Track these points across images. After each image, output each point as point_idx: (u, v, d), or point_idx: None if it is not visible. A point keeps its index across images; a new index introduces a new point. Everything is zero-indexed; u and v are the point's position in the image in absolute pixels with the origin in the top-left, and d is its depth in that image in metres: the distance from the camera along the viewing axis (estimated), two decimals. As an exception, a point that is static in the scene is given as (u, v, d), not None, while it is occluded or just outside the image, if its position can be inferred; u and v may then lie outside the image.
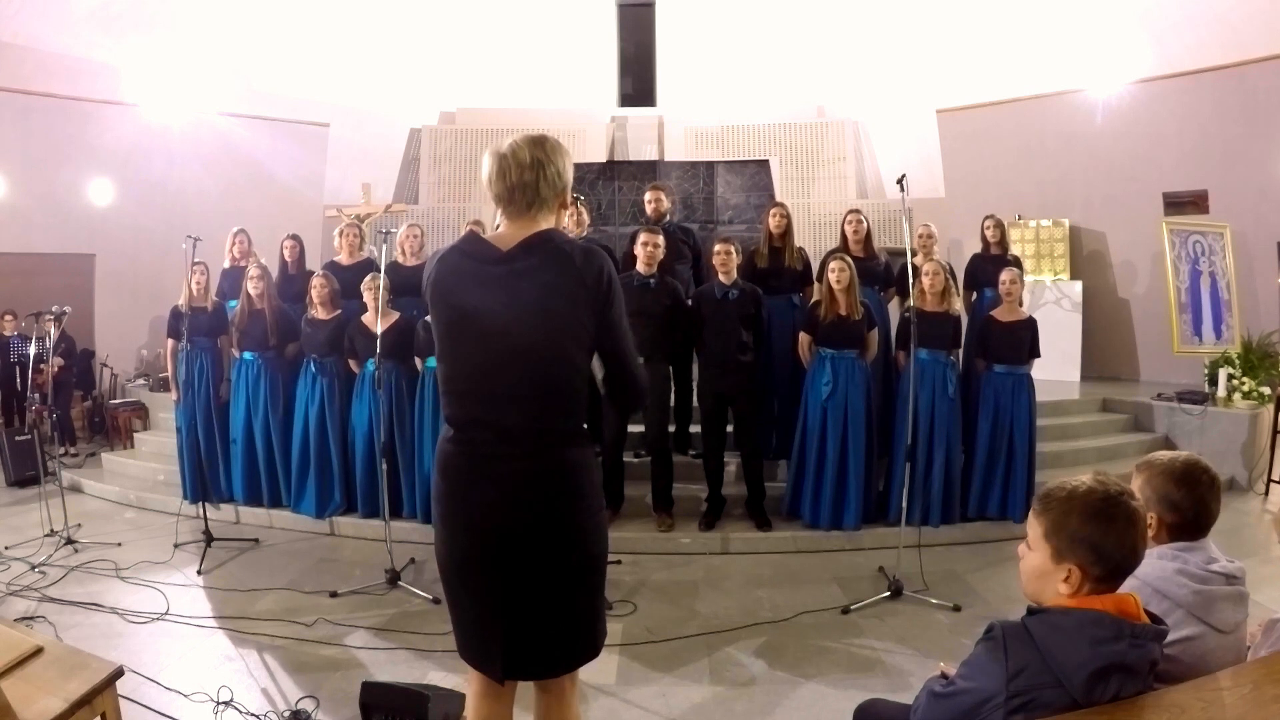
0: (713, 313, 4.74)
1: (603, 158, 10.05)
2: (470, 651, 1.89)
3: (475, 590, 1.84)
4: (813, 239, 8.92)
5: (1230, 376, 6.49)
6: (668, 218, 5.59)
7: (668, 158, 10.19)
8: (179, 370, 5.38)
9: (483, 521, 1.79)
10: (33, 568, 4.37)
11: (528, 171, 1.78)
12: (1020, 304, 5.14)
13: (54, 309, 5.26)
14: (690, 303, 4.92)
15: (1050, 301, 7.90)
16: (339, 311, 5.15)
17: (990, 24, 8.55)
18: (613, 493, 4.89)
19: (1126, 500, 1.42)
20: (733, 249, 4.81)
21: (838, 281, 4.69)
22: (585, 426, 1.89)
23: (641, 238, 4.75)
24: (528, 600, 1.79)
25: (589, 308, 1.77)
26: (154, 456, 6.42)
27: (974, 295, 6.02)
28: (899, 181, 4.05)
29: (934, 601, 3.90)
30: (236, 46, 8.62)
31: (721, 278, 4.77)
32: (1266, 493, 5.83)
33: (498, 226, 1.89)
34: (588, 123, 9.96)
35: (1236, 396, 6.40)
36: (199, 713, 2.89)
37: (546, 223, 1.84)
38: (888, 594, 3.96)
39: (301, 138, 9.10)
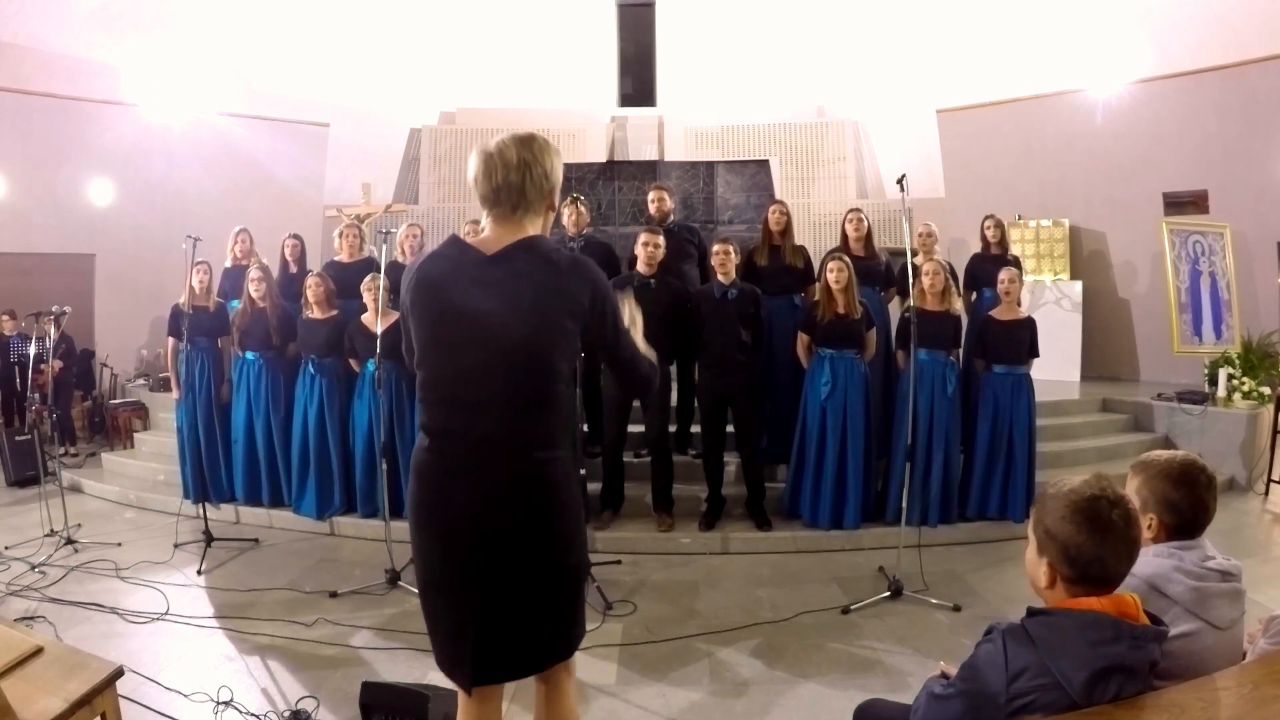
0: (712, 313, 4.74)
1: (603, 158, 10.06)
2: (443, 659, 1.87)
3: (448, 597, 1.81)
4: (813, 239, 8.92)
5: (1230, 376, 6.49)
6: (671, 217, 5.59)
7: (668, 158, 10.19)
8: (179, 370, 5.38)
9: (457, 529, 1.76)
10: (33, 568, 4.37)
11: (514, 172, 1.74)
12: (1019, 304, 5.14)
13: (54, 309, 5.26)
14: (689, 303, 4.93)
15: (1050, 301, 7.90)
16: (335, 312, 5.15)
17: (990, 24, 8.56)
18: (613, 493, 4.89)
19: (1107, 508, 1.40)
20: (731, 249, 4.81)
21: (836, 281, 4.69)
22: (562, 430, 1.84)
23: (643, 238, 4.76)
24: (500, 608, 1.76)
25: (573, 318, 1.74)
26: (154, 456, 6.42)
27: (974, 295, 6.02)
28: (899, 181, 4.05)
29: (934, 601, 3.90)
30: (236, 46, 8.63)
31: (720, 278, 4.77)
32: (1266, 493, 5.82)
33: (482, 229, 1.85)
34: (588, 123, 9.96)
35: (1236, 396, 6.40)
36: (199, 713, 2.89)
37: (533, 226, 1.80)
38: (888, 594, 3.96)
39: (301, 138, 9.11)
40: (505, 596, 1.76)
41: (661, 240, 4.73)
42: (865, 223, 5.45)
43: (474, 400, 1.75)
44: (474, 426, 1.75)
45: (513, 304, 1.71)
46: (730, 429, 4.95)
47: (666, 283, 4.76)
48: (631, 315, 1.96)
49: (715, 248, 4.83)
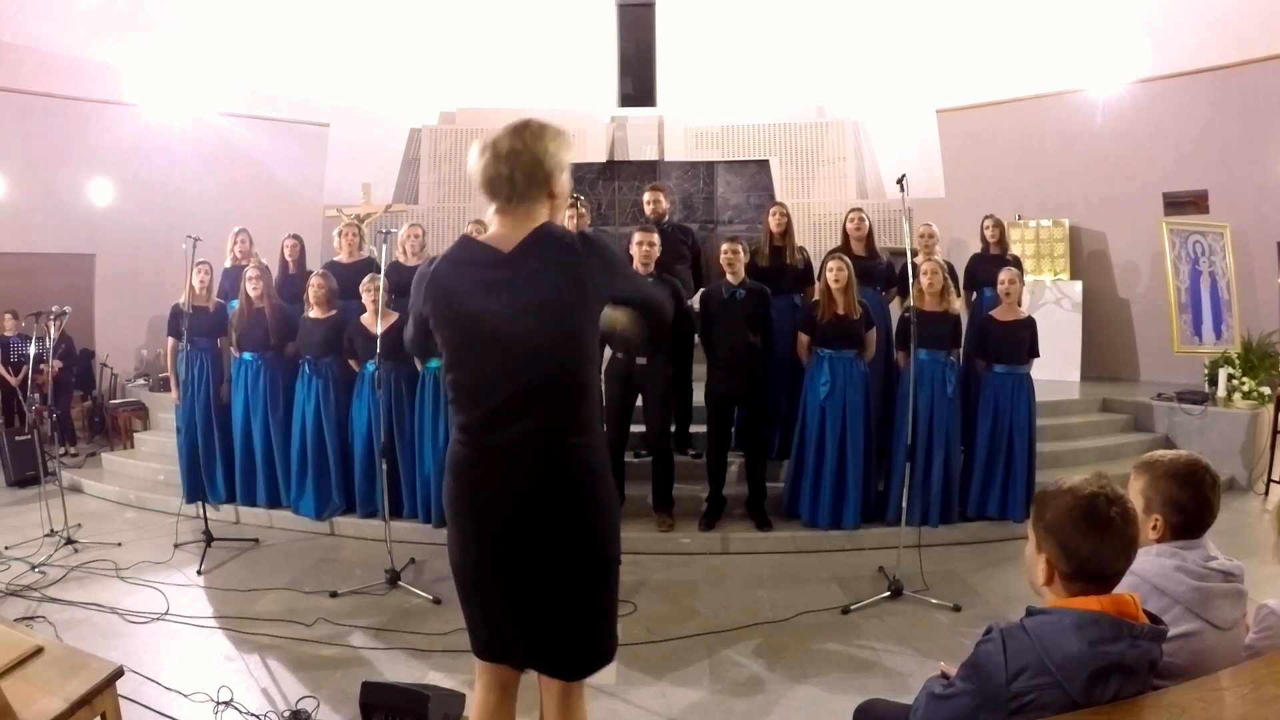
0: (719, 313, 4.74)
1: (603, 158, 10.05)
2: (486, 647, 1.89)
3: (490, 590, 1.83)
4: (813, 239, 8.92)
5: (1230, 376, 6.49)
6: (667, 218, 5.58)
7: (668, 158, 10.19)
8: (179, 370, 5.37)
9: (496, 522, 1.78)
10: (33, 568, 4.36)
11: (503, 163, 1.72)
12: (1019, 304, 5.14)
13: (54, 309, 5.26)
14: (690, 302, 4.92)
15: (1050, 301, 7.90)
16: (335, 311, 5.15)
17: (990, 24, 8.55)
18: (613, 493, 4.89)
19: (1105, 505, 1.41)
20: (740, 248, 4.80)
21: (836, 281, 4.69)
22: (594, 418, 1.86)
23: (636, 238, 4.74)
24: (542, 600, 1.79)
25: (597, 293, 1.77)
26: (154, 456, 6.42)
27: (973, 295, 6.02)
28: (899, 181, 4.05)
29: (934, 601, 3.90)
30: (236, 46, 8.62)
31: (729, 277, 4.77)
32: (1266, 493, 5.82)
33: (489, 225, 1.85)
34: (588, 123, 9.95)
35: (1236, 396, 6.40)
36: (199, 713, 2.89)
37: (540, 214, 1.78)
38: (888, 594, 3.96)
39: (301, 138, 9.10)
40: (545, 588, 1.78)
41: (656, 239, 4.72)
42: (866, 222, 5.45)
43: (504, 397, 1.76)
44: (508, 422, 1.76)
45: (529, 305, 1.72)
46: (734, 429, 4.94)
47: (664, 282, 4.76)
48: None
49: (724, 247, 4.82)
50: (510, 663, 1.88)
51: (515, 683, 1.97)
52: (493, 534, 1.80)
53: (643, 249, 4.66)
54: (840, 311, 4.71)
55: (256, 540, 4.96)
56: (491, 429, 1.78)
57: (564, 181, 1.81)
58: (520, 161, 1.72)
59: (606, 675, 3.16)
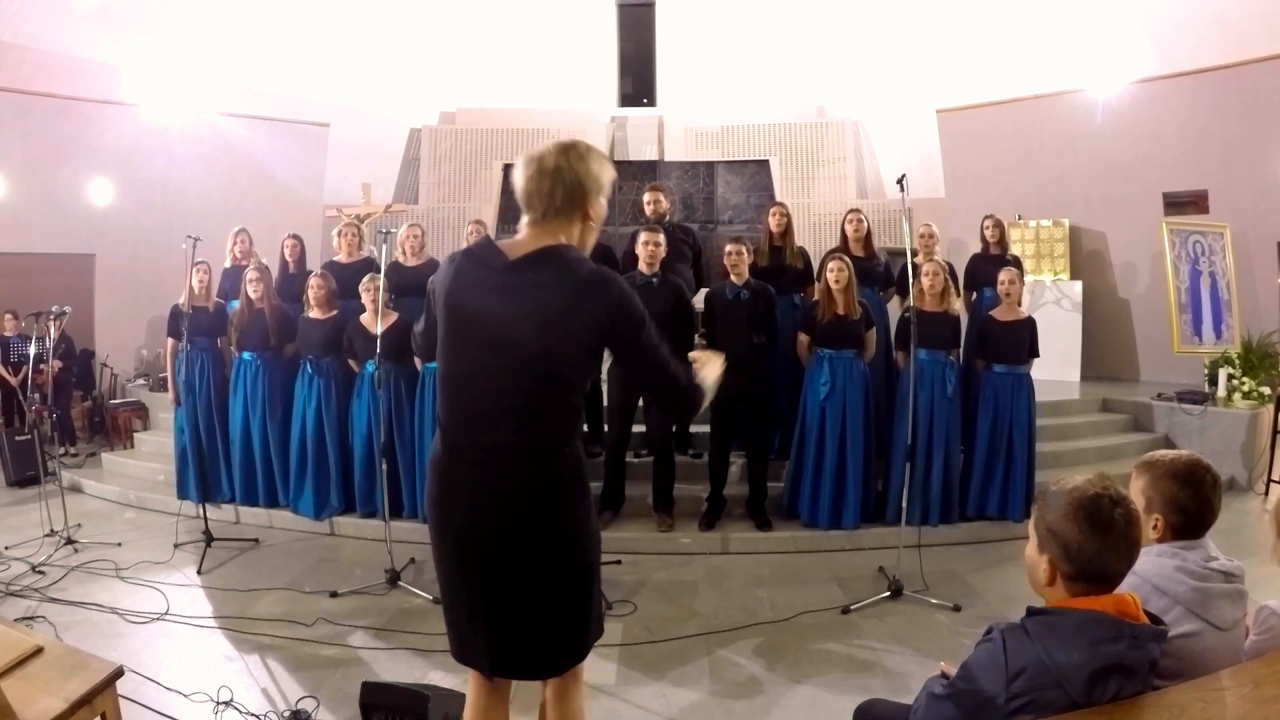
0: (724, 314, 4.74)
1: (603, 158, 10.05)
2: (459, 649, 1.90)
3: (461, 591, 1.85)
4: (813, 239, 8.92)
5: (1230, 376, 6.49)
6: (667, 218, 5.58)
7: (668, 158, 10.20)
8: (179, 370, 5.37)
9: (467, 529, 1.79)
10: (33, 568, 4.36)
11: (545, 179, 1.75)
12: (1019, 304, 5.14)
13: (54, 309, 5.26)
14: (694, 302, 4.92)
15: (1050, 301, 7.90)
16: (335, 312, 5.15)
17: (990, 24, 8.56)
18: (613, 493, 4.89)
19: (1109, 507, 1.40)
20: (744, 249, 4.80)
21: (836, 281, 4.69)
22: (575, 435, 1.85)
23: (642, 237, 4.74)
24: (512, 605, 1.79)
25: (592, 332, 1.74)
26: (154, 456, 6.42)
27: (973, 295, 6.02)
28: (899, 181, 4.05)
29: (934, 601, 3.90)
30: (236, 46, 8.62)
31: (733, 278, 4.77)
32: (1266, 492, 5.82)
33: (518, 232, 1.85)
34: (588, 123, 9.96)
35: (1236, 396, 6.40)
36: (199, 713, 2.89)
37: (565, 235, 1.79)
38: (888, 594, 3.96)
39: (301, 138, 9.11)
40: (514, 596, 1.79)
41: (662, 239, 4.72)
42: (865, 223, 5.45)
43: (483, 397, 1.77)
44: (482, 427, 1.77)
45: (525, 312, 1.72)
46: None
47: (669, 281, 4.76)
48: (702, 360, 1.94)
49: (728, 248, 4.82)
50: (479, 669, 1.88)
51: (507, 684, 1.97)
52: (464, 536, 1.80)
53: (648, 249, 4.66)
54: (840, 311, 4.71)
55: (256, 540, 4.95)
56: (464, 428, 1.79)
57: (601, 205, 1.84)
58: (563, 179, 1.75)
59: (606, 675, 3.17)
